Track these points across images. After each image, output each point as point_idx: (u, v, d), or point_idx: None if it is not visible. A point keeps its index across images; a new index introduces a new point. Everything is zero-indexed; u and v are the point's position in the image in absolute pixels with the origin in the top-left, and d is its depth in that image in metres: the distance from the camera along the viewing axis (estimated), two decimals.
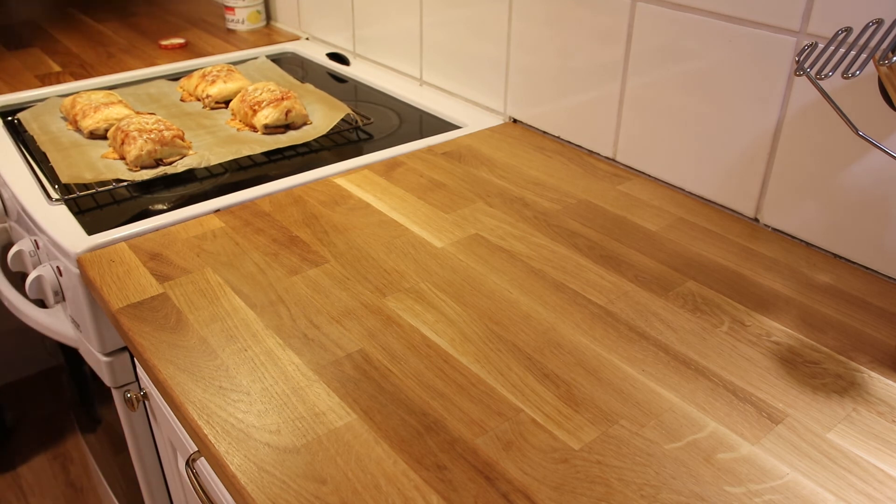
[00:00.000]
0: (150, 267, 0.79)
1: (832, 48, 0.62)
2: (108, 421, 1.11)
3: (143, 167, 0.99)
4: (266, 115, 1.09)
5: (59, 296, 0.92)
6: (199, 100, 1.23)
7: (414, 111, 1.23)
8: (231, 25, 1.66)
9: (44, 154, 1.05)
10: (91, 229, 0.86)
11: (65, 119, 1.15)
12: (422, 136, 1.12)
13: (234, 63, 1.40)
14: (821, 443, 0.58)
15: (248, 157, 1.06)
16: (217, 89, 1.20)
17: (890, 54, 0.59)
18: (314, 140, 1.11)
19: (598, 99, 1.01)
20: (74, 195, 0.93)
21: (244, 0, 1.62)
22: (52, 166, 1.01)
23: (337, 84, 1.36)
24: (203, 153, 1.03)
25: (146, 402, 0.89)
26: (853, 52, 0.61)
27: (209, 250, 0.82)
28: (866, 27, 0.62)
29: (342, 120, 1.14)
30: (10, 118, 1.18)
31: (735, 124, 0.86)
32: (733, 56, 0.83)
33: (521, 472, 0.55)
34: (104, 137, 1.09)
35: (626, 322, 0.71)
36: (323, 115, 1.15)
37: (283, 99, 1.11)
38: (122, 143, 1.00)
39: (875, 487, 0.54)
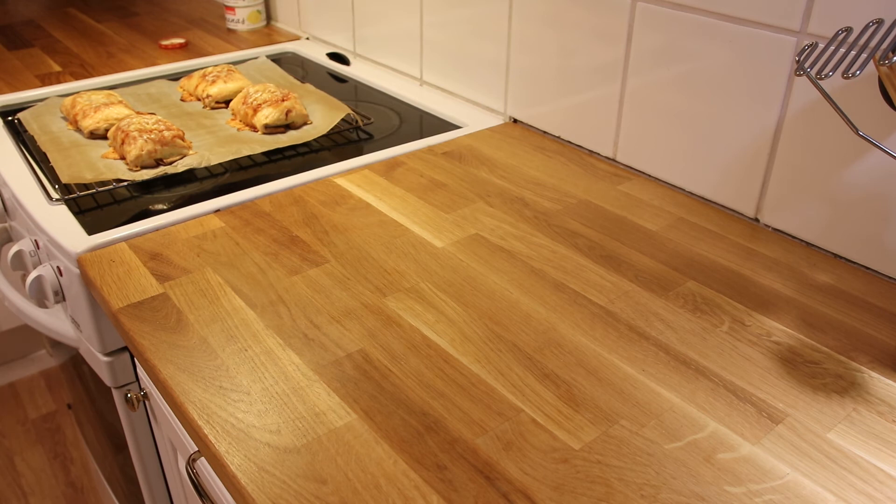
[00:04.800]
0: (151, 267, 0.79)
1: (832, 48, 0.62)
2: (109, 421, 1.11)
3: (143, 167, 0.99)
4: (266, 115, 1.09)
5: (60, 296, 0.92)
6: (199, 100, 1.23)
7: (414, 111, 1.23)
8: (231, 25, 1.66)
9: (44, 154, 1.05)
10: (91, 229, 0.86)
11: (65, 119, 1.15)
12: (422, 136, 1.12)
13: (235, 63, 1.40)
14: (821, 443, 0.58)
15: (249, 156, 1.06)
16: (217, 89, 1.20)
17: (890, 54, 0.59)
18: (314, 140, 1.11)
19: (599, 99, 1.01)
20: (74, 195, 0.93)
21: (244, 0, 1.62)
22: (52, 166, 1.01)
23: (337, 84, 1.36)
24: (203, 153, 1.03)
25: (146, 402, 0.89)
26: (853, 52, 0.61)
27: (209, 250, 0.82)
28: (866, 27, 0.62)
29: (342, 120, 1.14)
30: (10, 118, 1.18)
31: (735, 124, 0.86)
32: (733, 56, 0.83)
33: (521, 472, 0.55)
34: (104, 137, 1.09)
35: (627, 322, 0.71)
36: (323, 115, 1.15)
37: (283, 100, 1.11)
38: (123, 143, 1.00)
39: (875, 487, 0.54)
